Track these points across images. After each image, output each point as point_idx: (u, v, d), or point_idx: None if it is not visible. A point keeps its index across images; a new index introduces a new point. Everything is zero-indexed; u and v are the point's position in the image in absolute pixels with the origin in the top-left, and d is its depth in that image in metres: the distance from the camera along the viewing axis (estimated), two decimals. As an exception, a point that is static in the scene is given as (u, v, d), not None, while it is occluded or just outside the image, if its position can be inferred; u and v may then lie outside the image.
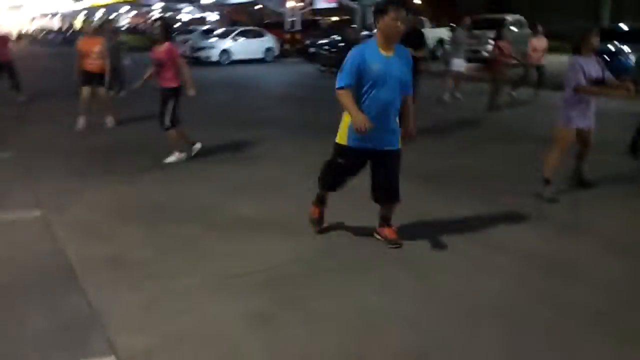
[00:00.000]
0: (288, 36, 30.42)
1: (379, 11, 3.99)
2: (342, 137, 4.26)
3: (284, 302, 3.68)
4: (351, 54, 4.04)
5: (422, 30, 11.03)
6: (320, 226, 4.79)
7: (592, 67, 5.52)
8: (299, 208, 5.17)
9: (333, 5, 36.28)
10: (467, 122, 10.18)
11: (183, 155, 7.30)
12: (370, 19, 30.52)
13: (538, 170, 5.96)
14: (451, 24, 16.96)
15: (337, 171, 4.41)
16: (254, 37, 25.95)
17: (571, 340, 3.27)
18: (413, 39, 7.95)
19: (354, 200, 4.98)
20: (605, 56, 14.84)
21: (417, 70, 7.80)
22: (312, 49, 24.69)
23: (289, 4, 34.92)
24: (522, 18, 21.86)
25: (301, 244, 4.63)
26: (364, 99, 4.04)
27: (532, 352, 3.16)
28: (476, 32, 16.50)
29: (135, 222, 5.15)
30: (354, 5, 31.76)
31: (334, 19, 41.44)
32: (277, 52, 26.63)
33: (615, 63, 14.53)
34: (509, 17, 20.81)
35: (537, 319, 3.49)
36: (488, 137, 9.10)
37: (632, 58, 14.70)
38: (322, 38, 24.10)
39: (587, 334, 3.33)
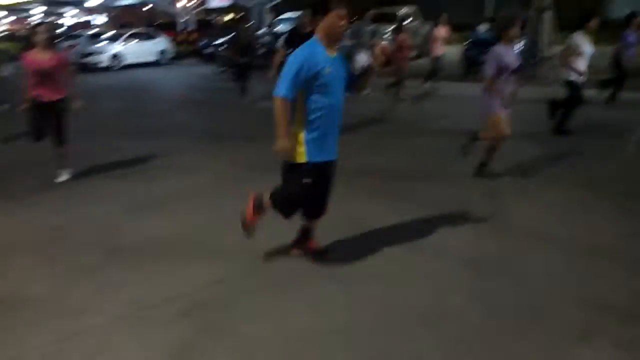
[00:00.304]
0: (182, 37, 29.52)
1: (321, 9, 3.61)
2: (301, 155, 3.73)
3: (209, 330, 3.39)
4: (298, 58, 3.57)
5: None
6: (251, 234, 4.19)
7: (512, 56, 5.76)
8: (213, 223, 4.86)
9: (227, 3, 35.63)
10: (374, 118, 10.18)
11: (72, 170, 6.72)
12: (267, 18, 30.29)
13: (452, 165, 6.00)
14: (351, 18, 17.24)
15: (305, 195, 3.84)
16: (146, 39, 24.84)
17: (504, 341, 3.23)
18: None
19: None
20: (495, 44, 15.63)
21: None
22: (208, 50, 24.15)
23: (180, 4, 33.93)
24: (416, 10, 22.37)
25: (220, 264, 4.31)
26: (314, 105, 3.64)
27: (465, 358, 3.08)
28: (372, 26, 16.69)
29: (29, 254, 4.62)
30: (249, 3, 31.32)
31: (229, 17, 40.75)
32: (171, 54, 25.72)
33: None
34: (403, 10, 21.22)
35: (470, 323, 3.42)
36: (396, 132, 9.15)
37: (520, 45, 15.52)
38: (218, 38, 23.55)
39: (520, 333, 3.31)
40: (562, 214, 5.22)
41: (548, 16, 14.77)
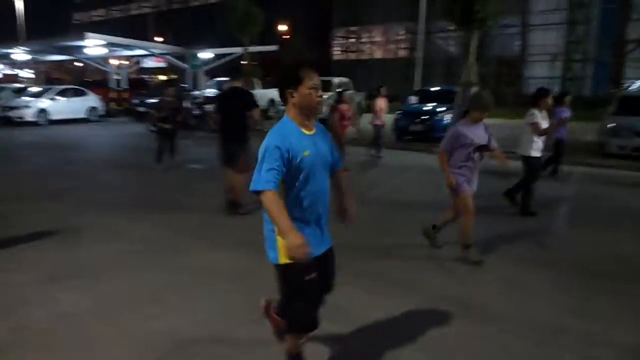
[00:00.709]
0: (114, 95, 29.04)
1: (289, 82, 3.06)
2: None
3: None
4: (271, 143, 2.96)
5: (253, 91, 10.95)
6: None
7: (477, 134, 5.61)
8: (136, 299, 4.46)
9: (163, 64, 35.53)
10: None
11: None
12: (201, 80, 30.36)
13: (391, 236, 5.82)
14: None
15: (312, 293, 3.18)
16: (75, 95, 24.21)
17: None
18: (244, 99, 7.69)
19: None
20: (425, 115, 16.25)
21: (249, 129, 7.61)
22: (141, 108, 23.82)
23: (113, 62, 33.50)
24: (348, 80, 23.07)
25: (147, 351, 3.85)
26: (297, 195, 3.06)
27: None
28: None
29: None
30: (184, 65, 31.36)
31: (163, 78, 40.70)
32: (102, 112, 25.14)
33: (433, 121, 15.86)
34: (337, 80, 21.81)
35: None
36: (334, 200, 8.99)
37: (448, 117, 16.14)
38: (152, 97, 23.28)
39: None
40: (517, 291, 5.03)
41: (474, 91, 15.51)
